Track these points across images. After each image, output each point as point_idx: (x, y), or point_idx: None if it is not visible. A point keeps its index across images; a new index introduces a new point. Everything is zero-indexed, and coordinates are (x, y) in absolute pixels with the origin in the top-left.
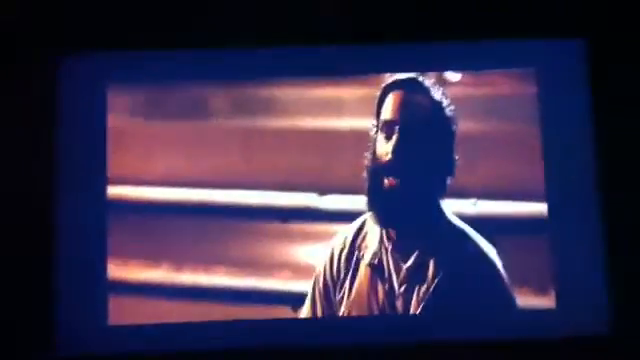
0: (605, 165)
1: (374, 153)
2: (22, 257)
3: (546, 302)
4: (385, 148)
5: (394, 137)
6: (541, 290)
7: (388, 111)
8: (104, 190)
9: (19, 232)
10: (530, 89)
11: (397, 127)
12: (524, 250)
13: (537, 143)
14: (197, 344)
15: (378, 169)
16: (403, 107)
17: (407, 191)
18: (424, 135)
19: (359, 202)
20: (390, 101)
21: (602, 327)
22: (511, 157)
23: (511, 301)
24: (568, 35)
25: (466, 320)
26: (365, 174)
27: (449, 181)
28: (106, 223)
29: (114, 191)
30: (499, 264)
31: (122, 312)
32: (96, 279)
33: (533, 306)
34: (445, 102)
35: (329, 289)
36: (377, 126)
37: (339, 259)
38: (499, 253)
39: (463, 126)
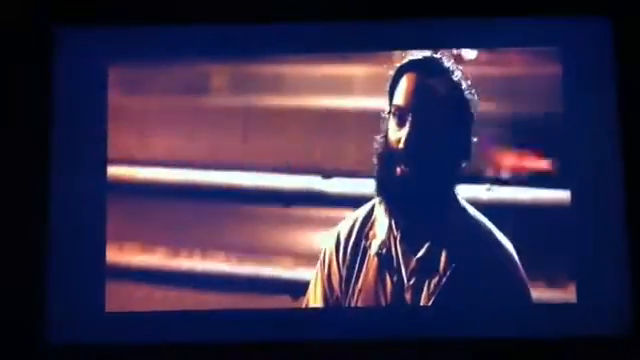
0: (632, 153)
1: (386, 137)
2: (16, 240)
3: (566, 296)
4: (397, 135)
5: (406, 125)
6: (560, 283)
7: (401, 96)
8: (103, 170)
9: (13, 214)
10: (552, 69)
11: (410, 115)
12: (542, 240)
13: (559, 126)
14: (190, 334)
15: (389, 155)
16: (417, 92)
17: (419, 178)
18: (438, 121)
19: (366, 186)
20: (404, 85)
21: (625, 327)
22: (530, 141)
23: (528, 296)
24: (594, 12)
25: (480, 315)
26: (375, 159)
27: (464, 165)
28: (105, 205)
29: (111, 171)
30: (515, 256)
31: (118, 299)
32: (93, 264)
33: (551, 300)
34: (464, 84)
35: (334, 278)
36: (389, 108)
37: (345, 247)
38: (514, 242)
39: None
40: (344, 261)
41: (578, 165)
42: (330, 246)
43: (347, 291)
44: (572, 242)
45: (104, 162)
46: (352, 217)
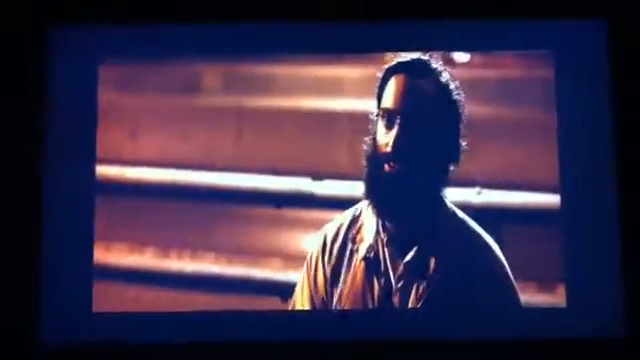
0: (625, 156)
1: (374, 140)
2: (6, 240)
3: (555, 300)
4: (385, 138)
5: (395, 128)
6: (550, 287)
7: (389, 99)
8: (93, 169)
9: (8, 214)
10: (545, 72)
11: (398, 117)
12: (533, 244)
13: (552, 130)
14: (180, 335)
15: (377, 158)
16: (405, 95)
17: (407, 181)
18: (427, 123)
19: (356, 188)
20: (391, 87)
21: (617, 328)
22: (522, 144)
23: (517, 300)
24: (589, 15)
25: (468, 318)
26: (364, 160)
27: (452, 168)
28: (94, 204)
29: (101, 171)
30: (504, 260)
31: (106, 299)
32: (83, 264)
33: (541, 303)
34: (452, 85)
35: (320, 281)
36: (378, 111)
37: (331, 250)
38: (505, 246)
39: (470, 110)
40: (330, 264)
41: (571, 167)
42: (316, 249)
43: (333, 294)
44: (563, 245)
45: (94, 161)
46: (339, 219)
